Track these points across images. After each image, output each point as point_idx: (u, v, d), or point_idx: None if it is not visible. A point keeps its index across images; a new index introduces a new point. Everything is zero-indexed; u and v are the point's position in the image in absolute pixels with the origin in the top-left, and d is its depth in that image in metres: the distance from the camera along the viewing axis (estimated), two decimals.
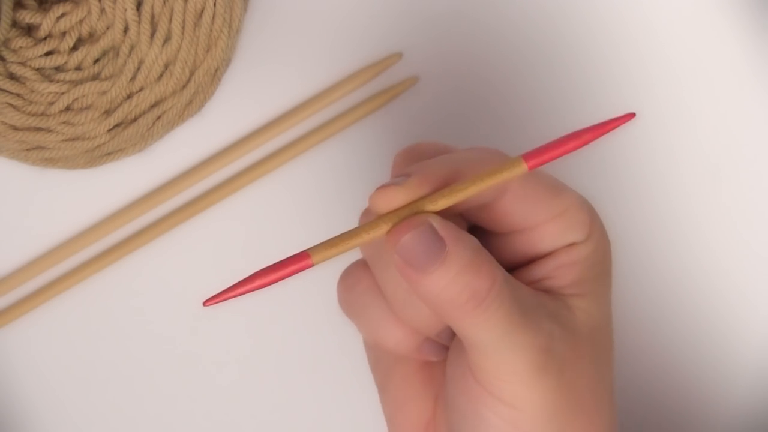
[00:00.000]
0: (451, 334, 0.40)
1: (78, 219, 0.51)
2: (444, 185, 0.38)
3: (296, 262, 0.37)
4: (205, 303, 0.36)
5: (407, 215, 0.37)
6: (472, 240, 0.38)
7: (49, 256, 0.51)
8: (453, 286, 0.37)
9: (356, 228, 0.37)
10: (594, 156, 0.50)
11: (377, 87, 0.51)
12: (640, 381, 0.50)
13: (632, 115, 0.37)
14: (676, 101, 0.51)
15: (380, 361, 0.43)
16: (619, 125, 0.37)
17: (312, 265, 0.37)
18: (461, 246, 0.37)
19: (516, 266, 0.41)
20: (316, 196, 0.51)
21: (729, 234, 0.51)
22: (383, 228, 0.37)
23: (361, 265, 0.41)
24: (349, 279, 0.41)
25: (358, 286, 0.40)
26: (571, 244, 0.40)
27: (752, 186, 0.51)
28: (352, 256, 0.40)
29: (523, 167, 0.37)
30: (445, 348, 0.41)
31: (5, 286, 0.51)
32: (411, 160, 0.40)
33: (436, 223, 0.37)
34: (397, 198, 0.37)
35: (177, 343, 0.51)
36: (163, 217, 0.51)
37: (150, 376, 0.51)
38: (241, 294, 0.36)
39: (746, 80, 0.51)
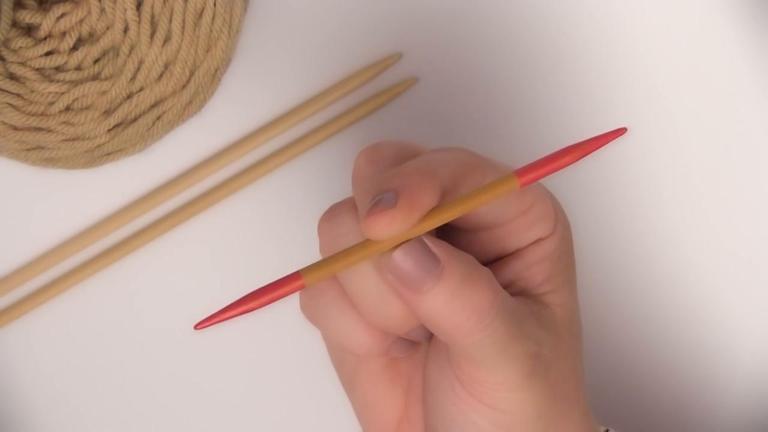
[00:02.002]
0: (424, 332, 0.39)
1: (78, 219, 0.51)
2: (435, 201, 0.37)
3: (288, 284, 0.36)
4: (197, 326, 0.36)
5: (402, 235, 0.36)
6: (467, 255, 0.37)
7: (49, 256, 0.51)
8: (452, 303, 0.36)
9: (348, 248, 0.36)
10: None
11: (377, 87, 0.51)
12: (629, 383, 0.50)
13: (624, 130, 0.36)
14: (675, 102, 0.51)
15: (345, 361, 0.42)
16: (611, 140, 0.36)
17: (304, 287, 0.36)
18: (456, 260, 0.36)
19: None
20: (316, 196, 0.51)
21: (730, 234, 0.51)
22: (378, 247, 0.36)
23: None
24: (313, 289, 0.39)
25: (324, 297, 0.39)
26: (538, 240, 0.39)
27: (752, 186, 0.51)
28: None
29: (515, 184, 0.36)
30: (412, 343, 0.40)
31: (5, 286, 0.51)
32: (374, 162, 0.39)
33: (427, 238, 0.36)
34: (395, 225, 0.36)
35: (177, 342, 0.51)
36: (162, 217, 0.51)
37: (150, 375, 0.51)
38: (232, 317, 0.36)
39: (746, 81, 0.51)
